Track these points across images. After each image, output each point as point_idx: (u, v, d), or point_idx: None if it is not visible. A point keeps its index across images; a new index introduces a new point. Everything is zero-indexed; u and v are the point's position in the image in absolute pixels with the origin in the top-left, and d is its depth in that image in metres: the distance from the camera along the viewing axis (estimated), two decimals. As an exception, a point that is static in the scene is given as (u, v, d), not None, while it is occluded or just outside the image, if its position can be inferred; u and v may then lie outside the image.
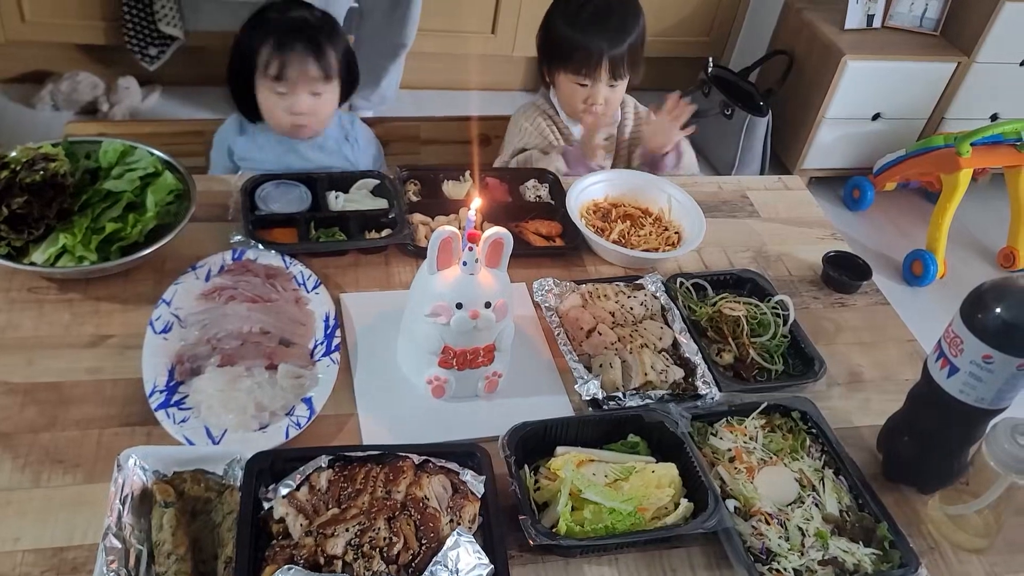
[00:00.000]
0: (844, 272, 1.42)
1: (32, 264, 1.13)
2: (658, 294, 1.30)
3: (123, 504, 0.89)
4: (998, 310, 0.94)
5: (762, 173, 3.05)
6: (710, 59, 3.08)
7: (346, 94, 1.59)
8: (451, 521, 0.92)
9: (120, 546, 0.86)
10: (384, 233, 1.34)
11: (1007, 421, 0.99)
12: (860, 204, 3.07)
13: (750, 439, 1.10)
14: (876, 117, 2.98)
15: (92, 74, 2.83)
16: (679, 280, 1.33)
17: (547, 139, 1.70)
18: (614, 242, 1.39)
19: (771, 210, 1.59)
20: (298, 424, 1.04)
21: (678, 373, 1.18)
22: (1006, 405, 1.00)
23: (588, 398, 1.12)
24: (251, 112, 1.57)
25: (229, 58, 1.55)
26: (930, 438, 1.07)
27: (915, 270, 2.80)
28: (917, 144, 2.80)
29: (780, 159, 3.14)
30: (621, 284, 1.32)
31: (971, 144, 2.58)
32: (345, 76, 1.55)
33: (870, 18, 2.93)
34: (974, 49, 2.86)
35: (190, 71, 2.84)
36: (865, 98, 2.92)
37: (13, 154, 1.16)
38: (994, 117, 3.04)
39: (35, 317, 1.14)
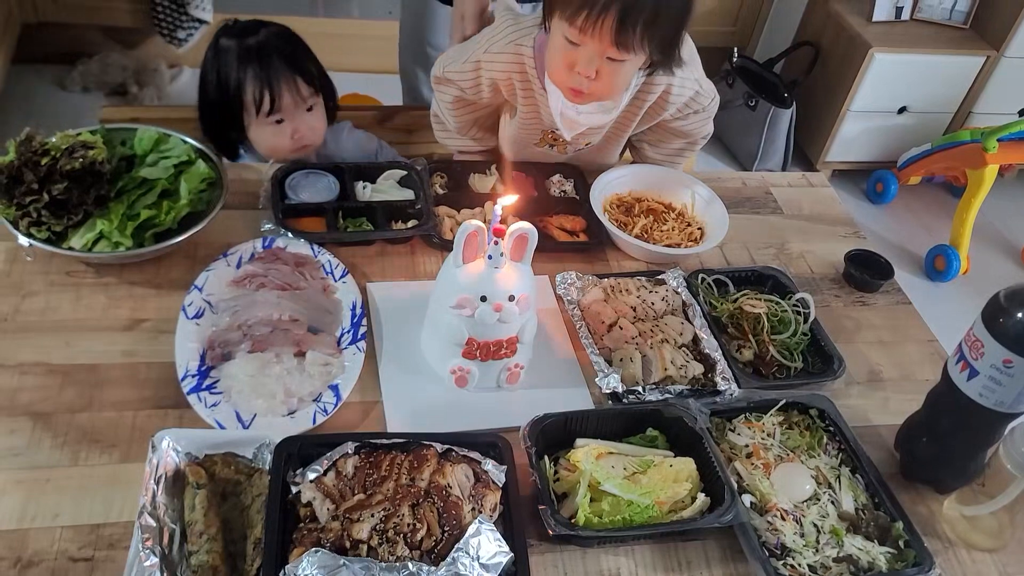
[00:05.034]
0: (866, 271, 1.42)
1: (71, 249, 1.16)
2: (679, 289, 1.31)
3: (157, 484, 0.92)
4: (1020, 315, 0.95)
5: (785, 165, 3.04)
6: (735, 49, 3.07)
7: (329, 98, 1.55)
8: (473, 509, 0.94)
9: (155, 524, 0.89)
10: (410, 224, 1.36)
11: (1025, 425, 1.00)
12: (883, 198, 3.06)
13: (768, 435, 1.11)
14: (902, 111, 2.96)
15: (121, 56, 2.87)
16: (701, 276, 1.34)
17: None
18: (637, 237, 1.40)
19: (794, 207, 1.60)
20: (325, 410, 1.07)
21: (698, 368, 1.19)
22: (1025, 409, 1.01)
23: (608, 391, 1.14)
24: (231, 148, 1.55)
25: (199, 100, 1.50)
26: (948, 439, 1.07)
27: (937, 265, 2.78)
28: (943, 138, 2.78)
29: (804, 151, 3.13)
30: (643, 279, 1.33)
31: (998, 139, 2.56)
32: (324, 80, 1.53)
33: (899, 10, 2.90)
34: (1004, 43, 2.83)
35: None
36: (891, 91, 2.90)
37: (53, 140, 1.19)
38: (1022, 112, 3.00)
39: (73, 300, 1.17)
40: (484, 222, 1.08)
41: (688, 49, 1.35)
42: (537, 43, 1.32)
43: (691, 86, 1.40)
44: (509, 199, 1.06)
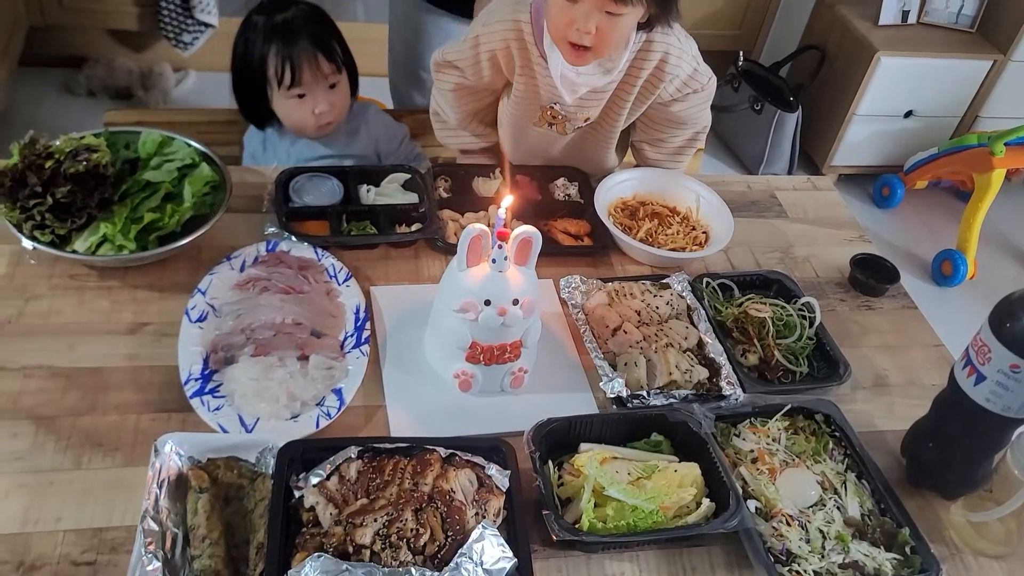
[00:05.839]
0: (872, 275, 1.42)
1: (74, 252, 1.16)
2: (684, 294, 1.31)
3: (160, 488, 0.92)
4: (1027, 320, 0.94)
5: (791, 169, 3.04)
6: (741, 53, 3.07)
7: (354, 77, 1.59)
8: (476, 514, 0.94)
9: (157, 528, 0.89)
10: (414, 227, 1.36)
11: (1033, 430, 1.00)
12: (890, 202, 3.05)
13: (773, 440, 1.11)
14: (908, 115, 2.95)
15: (127, 60, 2.88)
16: (705, 280, 1.34)
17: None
18: (641, 241, 1.39)
19: (799, 211, 1.59)
20: (328, 414, 1.07)
21: (702, 373, 1.19)
22: (1033, 414, 1.00)
23: (612, 396, 1.14)
24: (260, 119, 1.60)
25: (232, 72, 1.56)
26: (955, 445, 1.07)
27: (944, 270, 2.77)
28: (950, 143, 2.77)
29: (809, 155, 3.12)
30: (647, 283, 1.33)
31: (1005, 144, 2.55)
32: (348, 59, 1.56)
33: (905, 14, 2.89)
34: (1010, 47, 2.82)
35: (222, 57, 2.87)
36: (898, 95, 2.89)
37: (57, 143, 1.19)
38: (1029, 116, 3.00)
39: (76, 304, 1.17)
40: (488, 226, 1.08)
41: (682, 33, 1.37)
42: (534, 8, 1.32)
43: (689, 61, 1.38)
44: (507, 200, 1.06)
